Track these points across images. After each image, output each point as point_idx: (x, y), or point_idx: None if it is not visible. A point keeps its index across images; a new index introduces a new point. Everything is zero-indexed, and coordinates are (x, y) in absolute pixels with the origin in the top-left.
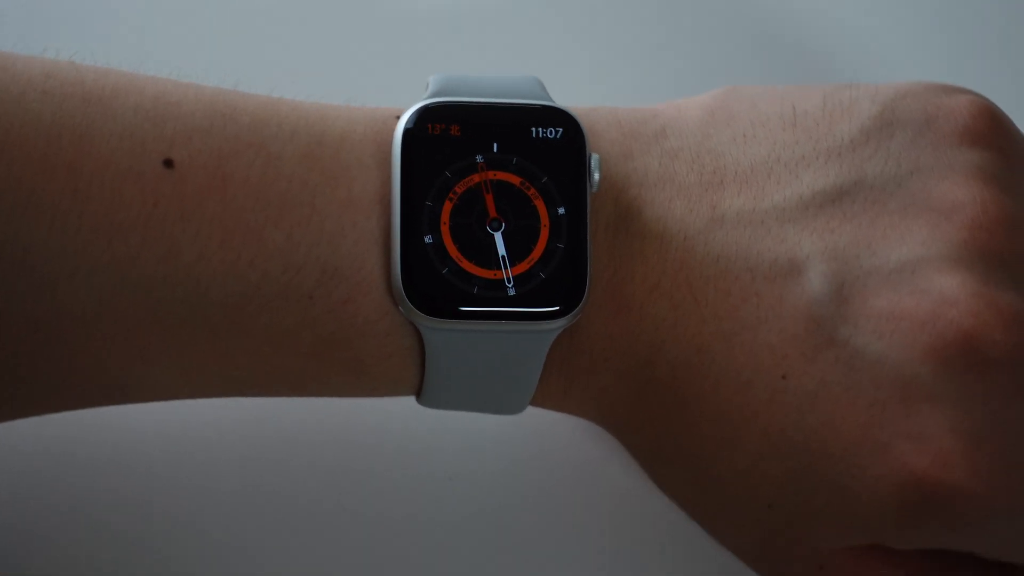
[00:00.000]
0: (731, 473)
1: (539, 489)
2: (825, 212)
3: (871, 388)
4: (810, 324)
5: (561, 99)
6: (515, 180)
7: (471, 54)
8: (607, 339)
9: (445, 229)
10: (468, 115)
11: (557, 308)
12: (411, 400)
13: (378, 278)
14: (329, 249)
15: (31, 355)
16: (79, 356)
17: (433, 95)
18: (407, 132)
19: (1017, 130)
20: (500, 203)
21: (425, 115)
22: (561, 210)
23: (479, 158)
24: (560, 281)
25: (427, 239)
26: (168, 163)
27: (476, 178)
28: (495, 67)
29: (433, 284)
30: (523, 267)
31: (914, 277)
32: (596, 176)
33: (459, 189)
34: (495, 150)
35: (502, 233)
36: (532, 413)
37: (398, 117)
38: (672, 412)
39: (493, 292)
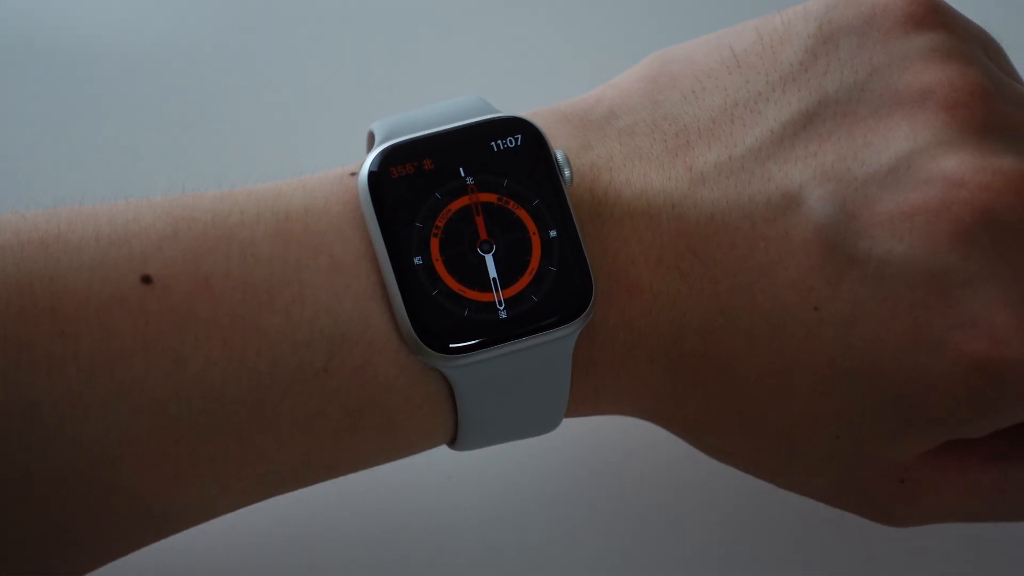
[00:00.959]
0: (790, 421)
1: (540, 489)
2: (801, 139)
3: (907, 291)
4: (825, 250)
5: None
6: (492, 197)
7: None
8: (627, 327)
9: (440, 266)
10: (432, 146)
11: (569, 310)
12: None
13: (387, 333)
14: (330, 319)
15: (63, 509)
16: (113, 497)
17: (385, 140)
18: (374, 180)
19: (950, 5)
20: (487, 224)
21: (388, 159)
22: (536, 202)
23: (469, 180)
24: (565, 284)
25: (435, 292)
26: (146, 279)
27: (454, 207)
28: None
29: (445, 324)
30: (525, 280)
31: (911, 171)
32: (567, 172)
33: (440, 223)
34: (463, 173)
35: (493, 255)
36: None
37: (353, 174)
38: (712, 381)
39: (508, 311)
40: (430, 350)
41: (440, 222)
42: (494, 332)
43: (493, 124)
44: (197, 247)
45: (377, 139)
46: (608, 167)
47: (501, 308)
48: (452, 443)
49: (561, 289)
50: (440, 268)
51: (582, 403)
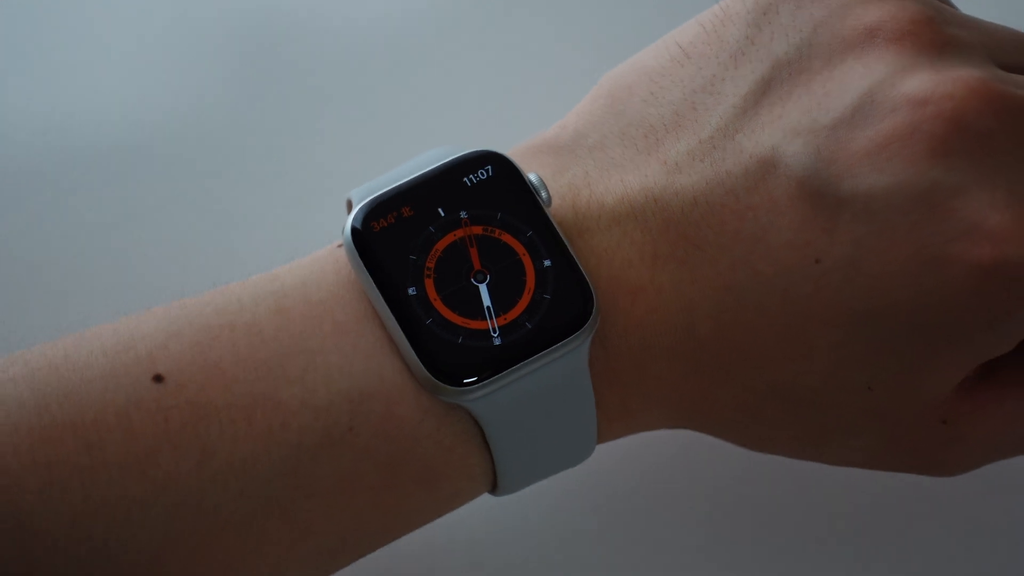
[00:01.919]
0: (818, 383)
1: (540, 489)
2: (763, 106)
3: (900, 218)
4: (813, 199)
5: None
6: (477, 230)
7: None
8: (637, 328)
9: (439, 304)
10: (409, 195)
11: (571, 324)
12: None
13: (403, 381)
14: (345, 379)
15: None
16: None
17: (363, 199)
18: (358, 236)
19: None
20: (480, 255)
21: (369, 215)
22: (530, 234)
23: (463, 213)
24: (562, 304)
25: (428, 321)
26: (158, 378)
27: (440, 246)
28: None
29: (454, 358)
30: (524, 300)
31: (876, 105)
32: (544, 193)
33: (430, 264)
34: (443, 214)
35: (487, 284)
36: None
37: (340, 244)
38: (734, 363)
39: (510, 337)
40: (445, 386)
41: (431, 263)
42: (492, 358)
43: (463, 161)
44: (202, 339)
45: (355, 202)
46: (586, 183)
47: (495, 335)
48: (495, 489)
49: (558, 310)
50: (437, 303)
51: (613, 420)
